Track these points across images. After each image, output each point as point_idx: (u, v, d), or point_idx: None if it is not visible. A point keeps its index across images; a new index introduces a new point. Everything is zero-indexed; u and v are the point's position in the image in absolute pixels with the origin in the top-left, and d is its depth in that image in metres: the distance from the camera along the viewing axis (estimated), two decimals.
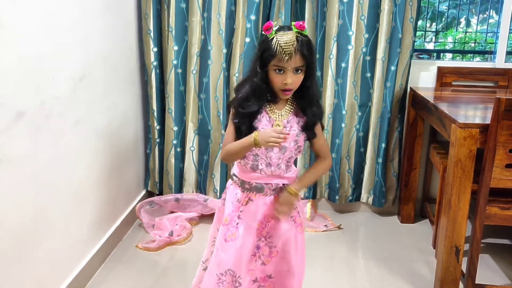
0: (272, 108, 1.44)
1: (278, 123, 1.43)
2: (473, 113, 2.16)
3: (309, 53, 1.36)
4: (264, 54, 1.36)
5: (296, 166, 1.65)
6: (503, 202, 1.90)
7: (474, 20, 4.30)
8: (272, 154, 1.44)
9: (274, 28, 1.36)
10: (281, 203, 1.46)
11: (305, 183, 1.57)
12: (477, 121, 1.89)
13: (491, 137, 1.79)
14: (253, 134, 1.35)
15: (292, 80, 1.35)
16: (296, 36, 1.33)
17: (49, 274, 1.77)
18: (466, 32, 3.83)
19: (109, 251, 2.30)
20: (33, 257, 1.65)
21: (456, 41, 4.03)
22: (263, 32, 1.40)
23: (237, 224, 1.49)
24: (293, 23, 1.37)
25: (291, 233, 1.52)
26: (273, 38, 1.34)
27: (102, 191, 2.21)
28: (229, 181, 1.58)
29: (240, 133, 1.43)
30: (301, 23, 1.37)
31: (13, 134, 1.50)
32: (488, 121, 1.80)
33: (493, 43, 2.96)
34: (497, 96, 1.76)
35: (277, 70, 1.35)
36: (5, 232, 1.49)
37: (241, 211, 1.49)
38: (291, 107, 1.46)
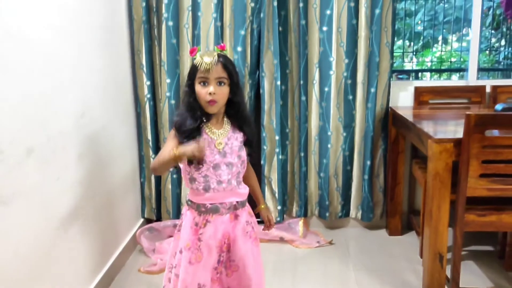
0: (211, 129, 1.55)
1: (220, 141, 1.55)
2: (448, 128, 2.32)
3: (230, 65, 1.51)
4: (191, 72, 1.52)
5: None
6: (479, 209, 2.04)
7: (454, 38, 4.52)
8: (220, 171, 1.54)
9: (199, 52, 1.52)
10: (263, 217, 1.76)
11: (261, 195, 1.81)
12: (451, 136, 2.04)
13: (464, 150, 1.94)
14: (172, 151, 1.41)
15: (215, 90, 1.48)
16: (218, 53, 1.51)
17: None
18: (442, 51, 4.03)
19: (113, 276, 2.40)
20: (44, 283, 1.75)
21: (433, 60, 4.24)
22: (190, 56, 1.57)
23: (199, 246, 1.57)
24: (215, 46, 1.55)
25: (248, 247, 1.63)
26: (197, 57, 1.50)
27: (104, 220, 2.32)
28: (184, 207, 1.66)
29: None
30: (222, 44, 1.57)
31: (24, 169, 1.62)
32: (460, 136, 1.95)
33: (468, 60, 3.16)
34: (467, 113, 1.92)
35: (201, 83, 1.49)
36: (20, 259, 1.59)
37: (200, 234, 1.57)
38: (228, 125, 1.59)
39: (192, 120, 1.52)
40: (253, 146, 1.66)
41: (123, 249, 2.54)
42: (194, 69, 1.52)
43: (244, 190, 1.63)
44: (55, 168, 1.83)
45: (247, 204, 1.67)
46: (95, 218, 2.21)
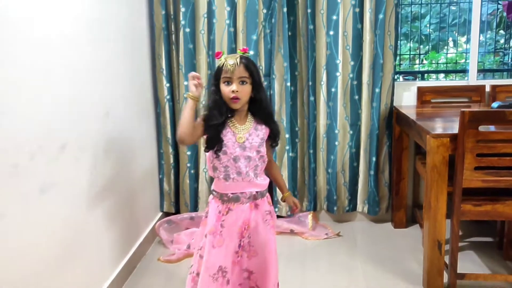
0: (234, 124, 1.73)
1: (241, 135, 1.72)
2: (446, 125, 2.47)
3: (251, 66, 1.69)
4: (216, 73, 1.71)
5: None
6: (475, 200, 2.19)
7: (463, 39, 4.65)
8: (239, 164, 1.72)
9: (223, 55, 1.71)
10: (289, 203, 1.92)
11: (284, 184, 1.98)
12: (448, 131, 2.20)
13: (460, 144, 2.10)
14: (187, 95, 1.69)
15: (238, 88, 1.66)
16: (240, 55, 1.69)
17: (86, 284, 2.06)
18: (447, 53, 4.17)
19: (135, 264, 2.59)
20: (74, 266, 1.94)
21: (441, 62, 4.38)
22: (216, 59, 1.76)
23: (221, 232, 1.75)
24: (238, 49, 1.73)
25: (266, 234, 1.79)
26: (222, 59, 1.69)
27: (126, 212, 2.51)
28: (210, 197, 1.84)
29: (211, 144, 1.72)
30: (245, 48, 1.76)
31: (59, 162, 1.81)
32: (456, 131, 2.11)
33: None
34: (461, 110, 2.07)
35: (226, 83, 1.67)
36: (55, 243, 1.79)
37: (223, 221, 1.75)
38: (251, 122, 1.76)
39: (218, 115, 1.70)
40: (277, 139, 1.83)
41: (143, 240, 2.72)
42: (219, 70, 1.70)
43: (264, 181, 1.79)
44: (84, 163, 2.02)
45: (267, 194, 1.83)
46: (118, 210, 2.40)
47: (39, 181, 1.67)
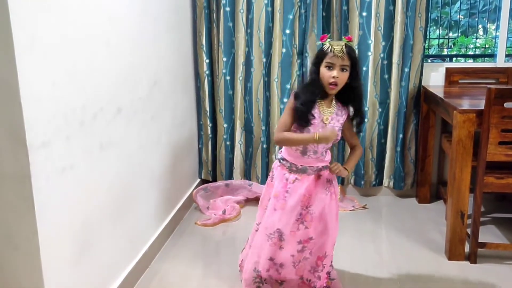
0: (322, 106, 1.88)
1: (327, 116, 1.87)
2: (473, 102, 2.59)
3: (354, 55, 1.81)
4: (319, 55, 1.82)
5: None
6: (498, 173, 2.31)
7: (493, 27, 4.69)
8: (318, 146, 1.89)
9: (328, 39, 1.83)
10: (337, 174, 1.93)
11: (352, 165, 2.01)
12: (474, 107, 2.32)
13: (485, 119, 2.22)
14: (314, 135, 1.79)
15: (338, 75, 1.78)
16: (345, 43, 1.81)
17: (136, 237, 2.27)
18: (476, 38, 4.23)
19: (174, 226, 2.79)
20: (127, 219, 2.15)
21: (467, 47, 4.44)
22: (319, 42, 1.89)
23: (285, 197, 1.94)
24: (343, 37, 1.84)
25: (326, 202, 1.96)
26: (327, 44, 1.81)
27: (168, 177, 2.70)
28: (276, 163, 2.04)
29: (301, 117, 1.84)
30: (350, 36, 1.90)
31: (115, 124, 2.01)
32: (482, 107, 2.23)
33: None
34: (488, 86, 2.19)
35: (327, 67, 1.79)
36: (112, 195, 1.99)
37: (289, 188, 1.93)
38: (334, 107, 1.91)
39: (311, 93, 1.84)
40: (361, 126, 1.99)
41: (181, 205, 2.92)
42: (323, 54, 1.81)
43: (328, 156, 1.97)
44: (135, 126, 2.22)
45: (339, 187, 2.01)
46: (161, 174, 2.59)
47: (99, 139, 1.86)
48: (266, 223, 1.96)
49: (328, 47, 1.79)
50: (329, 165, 1.95)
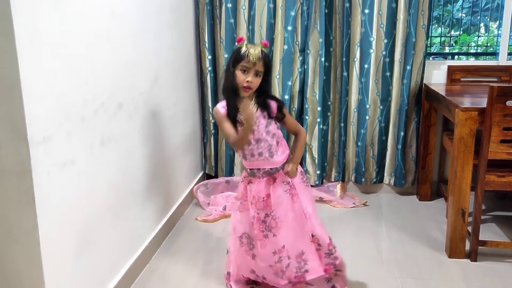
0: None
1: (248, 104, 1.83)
2: (475, 100, 2.58)
3: (268, 62, 1.84)
4: (236, 57, 1.82)
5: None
6: (499, 171, 2.31)
7: (494, 25, 4.68)
8: (252, 147, 1.88)
9: (245, 42, 1.84)
10: (290, 177, 1.92)
11: (296, 159, 1.96)
12: (476, 105, 2.32)
13: (487, 118, 2.21)
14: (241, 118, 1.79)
15: (252, 79, 1.81)
16: (261, 49, 1.83)
17: (136, 232, 2.27)
18: (478, 36, 4.22)
19: (175, 222, 2.80)
20: (127, 215, 2.15)
21: (469, 45, 4.43)
22: (236, 44, 1.90)
23: (246, 199, 1.96)
24: (259, 42, 1.86)
25: (289, 205, 1.92)
26: (244, 47, 1.81)
27: (169, 173, 2.71)
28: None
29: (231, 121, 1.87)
30: (266, 42, 1.89)
31: (117, 119, 2.00)
32: (484, 105, 2.23)
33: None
34: (490, 84, 2.19)
35: (242, 71, 1.81)
36: (112, 189, 1.99)
37: (248, 190, 1.96)
38: (256, 106, 1.88)
39: (233, 100, 1.86)
40: (282, 111, 1.94)
41: (182, 201, 2.93)
42: (239, 57, 1.82)
43: (279, 158, 1.92)
44: (136, 122, 2.22)
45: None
46: (162, 169, 2.59)
47: (100, 134, 1.86)
48: (233, 225, 2.03)
49: (245, 51, 1.80)
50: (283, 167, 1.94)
